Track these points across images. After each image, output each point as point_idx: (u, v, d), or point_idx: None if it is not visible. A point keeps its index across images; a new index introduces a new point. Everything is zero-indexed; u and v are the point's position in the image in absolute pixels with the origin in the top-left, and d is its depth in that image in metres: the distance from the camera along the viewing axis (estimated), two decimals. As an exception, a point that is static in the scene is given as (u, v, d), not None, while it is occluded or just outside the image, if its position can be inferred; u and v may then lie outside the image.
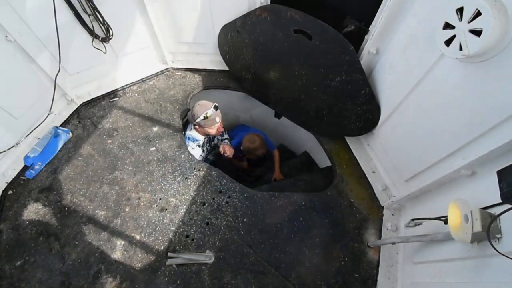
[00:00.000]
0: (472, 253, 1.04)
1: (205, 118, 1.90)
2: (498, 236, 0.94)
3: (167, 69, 2.52)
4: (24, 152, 1.87)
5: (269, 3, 1.85)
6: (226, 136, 2.47)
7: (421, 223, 1.29)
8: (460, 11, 0.99)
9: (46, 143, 1.91)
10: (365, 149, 1.99)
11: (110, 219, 1.68)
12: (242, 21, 1.97)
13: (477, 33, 0.95)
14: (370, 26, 1.52)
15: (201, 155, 2.20)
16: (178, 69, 2.55)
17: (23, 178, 1.80)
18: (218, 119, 1.96)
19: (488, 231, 0.91)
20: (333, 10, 1.67)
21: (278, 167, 2.55)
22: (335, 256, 1.61)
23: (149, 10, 2.05)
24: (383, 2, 1.38)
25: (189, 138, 2.13)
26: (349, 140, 2.08)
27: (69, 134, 2.01)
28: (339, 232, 1.69)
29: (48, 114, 2.00)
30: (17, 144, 1.83)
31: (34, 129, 1.92)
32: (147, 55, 2.42)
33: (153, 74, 2.47)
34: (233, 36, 2.10)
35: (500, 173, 0.85)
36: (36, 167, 1.82)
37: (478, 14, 0.94)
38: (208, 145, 2.30)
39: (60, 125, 2.05)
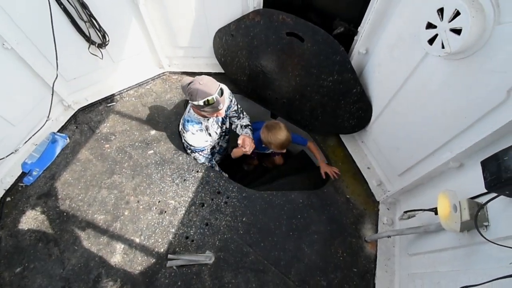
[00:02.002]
0: (462, 241, 1.08)
1: (206, 104, 1.53)
2: (486, 224, 0.98)
3: (163, 73, 2.56)
4: (22, 158, 1.88)
5: (261, 7, 1.90)
6: (247, 120, 1.99)
7: (414, 215, 1.33)
8: (440, 11, 1.04)
9: (43, 149, 1.92)
10: (360, 146, 2.04)
11: (109, 223, 1.69)
12: (236, 25, 2.02)
13: (458, 31, 1.00)
14: (359, 28, 1.58)
15: (207, 141, 1.84)
16: (174, 72, 2.59)
17: (21, 184, 1.80)
18: (221, 106, 1.58)
19: (475, 219, 0.95)
20: (322, 13, 1.73)
21: (323, 159, 2.06)
22: (334, 251, 1.64)
23: (144, 15, 2.08)
24: (369, 5, 1.44)
25: (188, 121, 1.75)
26: (344, 138, 2.13)
27: (66, 139, 2.02)
28: (336, 228, 1.73)
29: (46, 121, 2.02)
30: (15, 151, 1.84)
31: (32, 135, 1.93)
32: (143, 60, 2.46)
33: (150, 78, 2.50)
34: (227, 40, 2.14)
35: (484, 164, 0.89)
36: (34, 173, 1.83)
37: (457, 13, 0.99)
38: (218, 127, 1.90)
39: (58, 131, 2.07)
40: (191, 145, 1.81)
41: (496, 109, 1.02)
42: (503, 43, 0.95)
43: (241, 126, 1.96)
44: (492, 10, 0.95)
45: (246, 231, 1.68)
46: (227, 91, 1.78)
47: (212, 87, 1.52)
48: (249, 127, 1.98)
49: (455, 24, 1.01)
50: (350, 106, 1.77)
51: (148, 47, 2.38)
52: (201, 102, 1.52)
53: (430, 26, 1.10)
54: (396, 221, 1.69)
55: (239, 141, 1.75)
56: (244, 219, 1.73)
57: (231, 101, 1.89)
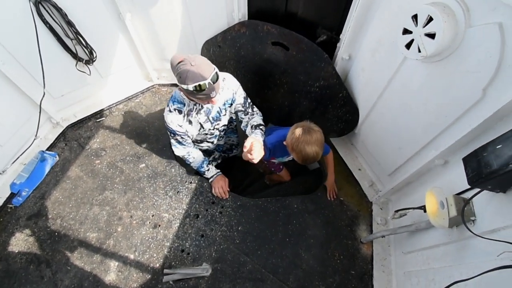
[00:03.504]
0: (452, 237, 1.11)
1: (196, 90, 1.27)
2: (473, 218, 1.01)
3: (152, 85, 2.57)
4: (10, 179, 1.84)
5: (246, 19, 1.95)
6: (258, 118, 1.69)
7: (405, 214, 1.36)
8: (415, 17, 1.09)
9: (32, 168, 1.89)
10: (350, 148, 2.08)
11: (102, 241, 1.66)
12: (222, 36, 2.06)
13: (432, 36, 1.05)
14: (341, 35, 1.63)
15: (181, 126, 1.54)
16: (163, 85, 2.60)
17: (10, 206, 1.76)
18: (214, 93, 1.33)
19: (462, 214, 0.98)
20: (305, 22, 1.78)
21: (332, 173, 1.86)
22: (331, 255, 1.65)
23: (131, 31, 2.11)
24: (349, 13, 1.50)
25: (172, 98, 1.50)
26: (334, 141, 2.17)
27: (55, 157, 2.00)
28: (332, 231, 1.74)
29: (34, 139, 1.99)
30: (3, 172, 1.81)
31: (20, 155, 1.90)
32: (131, 74, 2.47)
33: (139, 91, 2.51)
34: (215, 51, 2.18)
35: (465, 160, 0.93)
36: (23, 193, 1.79)
37: (430, 19, 1.05)
38: (207, 120, 1.62)
39: (47, 149, 2.04)
40: (165, 121, 1.54)
41: (474, 107, 1.07)
42: (475, 44, 1.00)
43: (252, 126, 1.64)
44: (463, 14, 1.01)
45: (242, 240, 1.68)
46: (231, 80, 1.57)
47: (206, 70, 1.26)
48: (261, 127, 1.63)
49: (429, 29, 1.06)
50: (338, 110, 1.81)
51: (136, 61, 2.39)
52: (190, 87, 1.26)
53: (406, 31, 1.15)
54: (389, 220, 1.72)
55: (246, 144, 1.43)
56: (239, 228, 1.72)
57: (235, 92, 1.59)
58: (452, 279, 1.00)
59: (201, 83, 1.25)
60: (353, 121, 1.81)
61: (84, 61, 2.01)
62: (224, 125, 1.76)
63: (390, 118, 1.52)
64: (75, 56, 1.95)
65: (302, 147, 1.37)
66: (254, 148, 1.44)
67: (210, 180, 1.85)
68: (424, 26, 1.07)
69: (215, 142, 1.86)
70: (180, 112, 1.51)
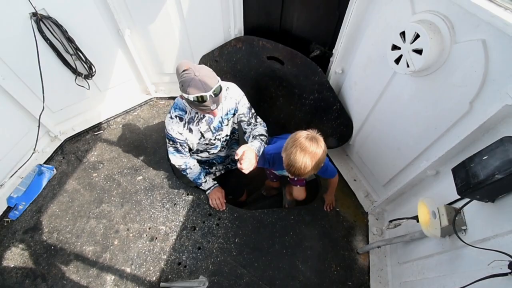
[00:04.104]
0: (445, 247, 1.13)
1: (198, 101, 1.25)
2: (464, 228, 1.03)
3: (150, 99, 2.61)
4: (7, 193, 1.84)
5: (242, 34, 2.01)
6: (261, 128, 1.65)
7: (400, 224, 1.37)
8: (403, 34, 1.15)
9: (29, 182, 1.89)
10: (345, 159, 2.11)
11: (99, 254, 1.65)
12: (219, 51, 2.12)
13: (419, 52, 1.11)
14: (333, 50, 1.69)
15: (182, 134, 1.52)
16: (161, 98, 2.64)
17: (7, 220, 1.75)
18: (214, 106, 1.30)
19: (453, 224, 1.01)
20: (299, 38, 1.85)
21: (333, 191, 1.82)
22: (327, 266, 1.65)
23: (130, 46, 2.16)
24: (341, 29, 1.56)
25: (174, 105, 1.49)
26: (330, 152, 2.19)
27: (53, 171, 2.00)
28: (328, 242, 1.74)
29: (33, 153, 2.00)
30: (0, 186, 1.80)
31: (18, 169, 1.91)
32: (130, 88, 2.51)
33: (137, 104, 2.54)
34: (212, 65, 2.23)
35: (454, 171, 0.95)
36: (20, 207, 1.79)
37: (417, 36, 1.10)
38: (208, 130, 1.58)
39: (44, 162, 2.05)
40: (165, 128, 1.52)
41: (462, 119, 1.11)
42: (461, 59, 1.05)
43: (253, 136, 1.61)
44: (448, 31, 1.06)
45: (239, 252, 1.67)
46: (234, 89, 1.54)
47: (209, 82, 1.23)
48: (261, 137, 1.59)
49: (416, 45, 1.11)
50: (332, 122, 1.86)
51: (135, 75, 2.44)
52: (191, 97, 1.23)
53: (395, 47, 1.21)
54: (385, 231, 1.73)
55: (238, 152, 1.34)
56: (236, 240, 1.72)
57: (238, 102, 1.55)
58: (446, 288, 1.01)
59: (203, 94, 1.22)
60: (347, 132, 1.85)
61: (83, 76, 2.04)
62: (226, 136, 1.71)
63: (383, 130, 1.56)
64: (74, 71, 1.99)
65: (294, 150, 1.21)
66: (245, 157, 1.35)
67: (207, 192, 1.87)
68: (411, 43, 1.12)
69: (216, 153, 1.81)
70: (181, 119, 1.48)
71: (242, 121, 1.66)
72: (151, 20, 2.05)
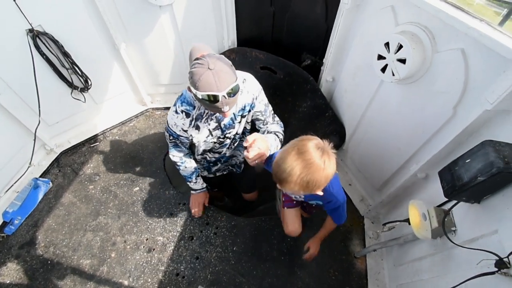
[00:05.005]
0: (437, 248, 1.16)
1: (207, 100, 1.05)
2: (454, 228, 1.07)
3: (146, 110, 2.63)
4: (3, 207, 1.83)
5: (236, 46, 2.07)
6: (277, 127, 1.43)
7: (393, 227, 1.40)
8: (387, 45, 1.21)
9: (25, 196, 1.88)
10: (339, 164, 2.15)
11: (96, 267, 1.64)
12: (213, 62, 2.17)
13: (403, 61, 1.17)
14: (324, 59, 1.76)
15: (186, 131, 1.35)
16: (157, 108, 2.67)
17: (2, 235, 1.74)
18: (227, 108, 1.10)
19: (443, 225, 1.04)
20: (291, 48, 1.92)
21: (322, 237, 1.51)
22: (326, 271, 1.66)
23: (125, 59, 2.20)
24: (330, 40, 1.63)
25: (181, 97, 1.29)
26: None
27: (49, 184, 2.00)
28: (326, 247, 1.75)
29: (28, 167, 2.00)
30: (-5, 201, 1.80)
31: (14, 183, 1.90)
32: (126, 99, 2.53)
33: (133, 115, 2.56)
34: (206, 76, 2.28)
35: (440, 174, 0.99)
36: (16, 222, 1.78)
37: (401, 46, 1.16)
38: (218, 128, 1.38)
39: (40, 176, 2.04)
40: (167, 122, 1.37)
41: (447, 124, 1.16)
42: (443, 68, 1.11)
43: (267, 132, 1.41)
44: (429, 41, 1.13)
45: (238, 260, 1.68)
46: (252, 81, 1.31)
47: (224, 80, 1.02)
48: (277, 133, 1.39)
49: (400, 55, 1.17)
50: (325, 128, 1.90)
51: (130, 87, 2.47)
52: (199, 94, 1.03)
53: (380, 57, 1.27)
54: (380, 234, 1.75)
55: (248, 139, 1.10)
56: (234, 248, 1.73)
57: (255, 97, 1.33)
58: (439, 289, 1.04)
59: (215, 94, 1.01)
60: (341, 138, 1.90)
61: (79, 89, 2.07)
62: (236, 134, 1.47)
63: (374, 135, 1.61)
64: (70, 84, 2.02)
65: (290, 150, 0.93)
66: (255, 145, 1.10)
67: (192, 193, 1.76)
68: (395, 53, 1.18)
69: (223, 153, 1.60)
70: (188, 115, 1.28)
71: (257, 119, 1.44)
72: (146, 33, 2.10)
